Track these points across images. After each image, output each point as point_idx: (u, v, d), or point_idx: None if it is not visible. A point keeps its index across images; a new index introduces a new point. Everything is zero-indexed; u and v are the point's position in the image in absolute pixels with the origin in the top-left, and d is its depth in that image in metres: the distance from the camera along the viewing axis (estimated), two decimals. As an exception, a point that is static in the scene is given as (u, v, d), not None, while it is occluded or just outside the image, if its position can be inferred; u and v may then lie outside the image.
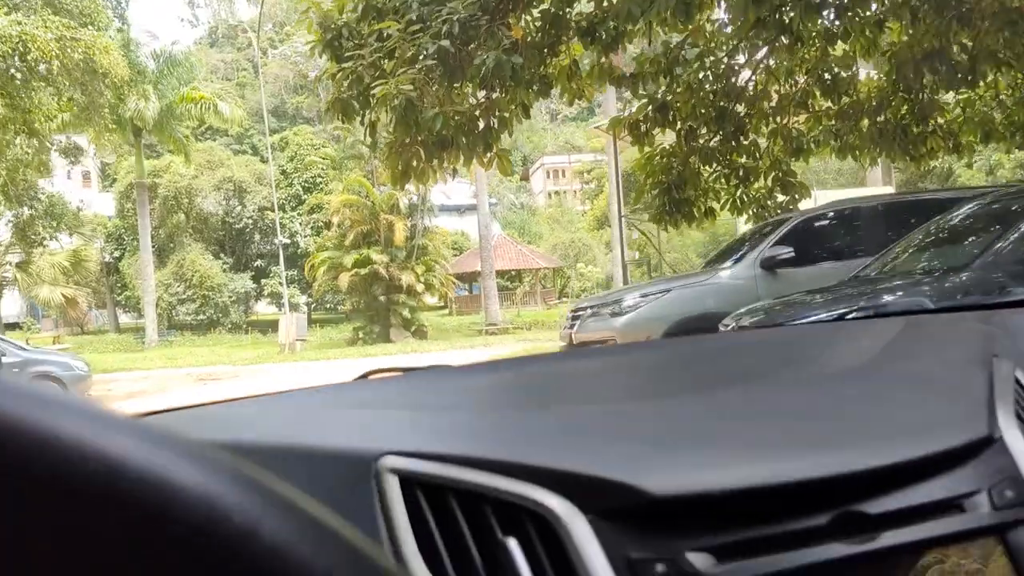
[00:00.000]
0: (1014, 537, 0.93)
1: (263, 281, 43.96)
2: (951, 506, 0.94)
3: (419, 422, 1.12)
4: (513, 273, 46.59)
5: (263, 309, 47.63)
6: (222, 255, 44.55)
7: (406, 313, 31.27)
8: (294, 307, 40.67)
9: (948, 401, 1.11)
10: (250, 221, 44.33)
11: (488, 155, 10.60)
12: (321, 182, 42.11)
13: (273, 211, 40.26)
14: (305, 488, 0.75)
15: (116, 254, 45.21)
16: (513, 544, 0.79)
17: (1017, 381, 1.12)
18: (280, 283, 33.55)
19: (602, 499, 0.84)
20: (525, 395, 1.38)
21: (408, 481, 0.86)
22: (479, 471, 0.86)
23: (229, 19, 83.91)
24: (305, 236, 42.83)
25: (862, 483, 0.91)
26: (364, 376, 1.63)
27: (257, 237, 44.81)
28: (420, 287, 30.91)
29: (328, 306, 46.77)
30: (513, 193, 66.59)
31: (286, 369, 24.35)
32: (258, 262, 44.82)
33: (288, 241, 43.17)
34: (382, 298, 30.96)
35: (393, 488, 0.86)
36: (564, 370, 1.60)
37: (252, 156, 48.07)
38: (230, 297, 42.97)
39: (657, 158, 12.08)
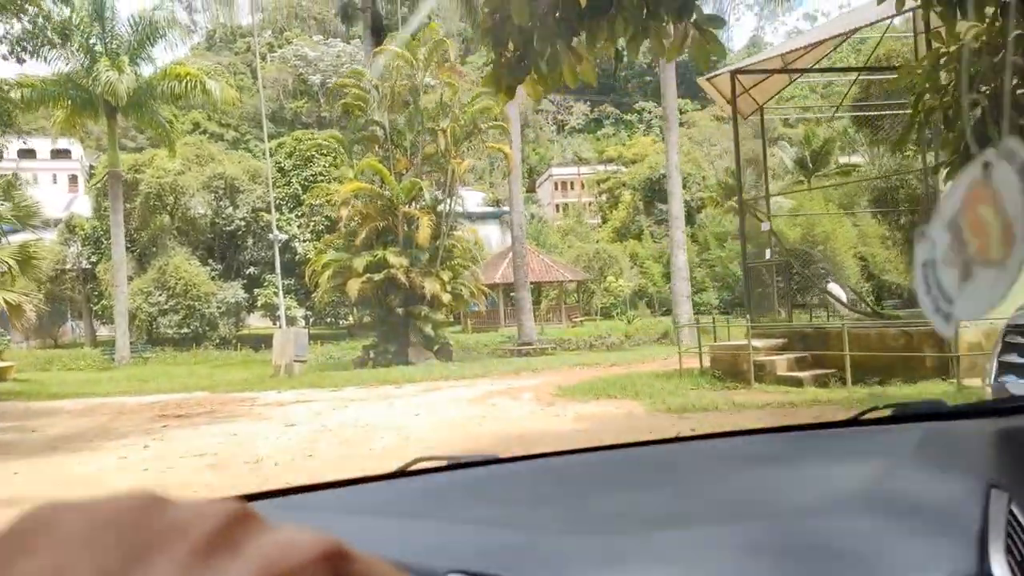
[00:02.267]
0: None
1: (256, 291, 37.02)
2: None
3: (480, 536, 1.13)
4: (532, 286, 39.92)
5: (256, 322, 40.65)
6: (210, 261, 37.68)
7: (428, 329, 24.44)
8: (292, 321, 33.67)
9: (941, 537, 1.07)
10: (242, 223, 37.50)
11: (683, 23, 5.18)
12: (323, 180, 35.24)
13: (268, 212, 33.53)
14: None
15: (93, 259, 38.24)
16: None
17: (1012, 514, 1.09)
18: (275, 292, 26.56)
19: None
20: (574, 504, 1.32)
21: None
22: None
23: (227, 23, 77.22)
24: (305, 240, 35.90)
25: None
26: (407, 467, 1.54)
27: (250, 242, 37.94)
28: (446, 297, 24.06)
29: (329, 320, 39.73)
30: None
31: (281, 400, 17.48)
32: (251, 269, 37.92)
33: (284, 243, 36.31)
34: (399, 310, 24.13)
35: None
36: (597, 470, 1.57)
37: (246, 152, 41.13)
38: (219, 308, 36.10)
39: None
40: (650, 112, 70.67)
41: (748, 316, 16.02)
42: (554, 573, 0.95)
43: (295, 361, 21.93)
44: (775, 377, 14.08)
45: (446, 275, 24.49)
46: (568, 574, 0.96)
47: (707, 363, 16.25)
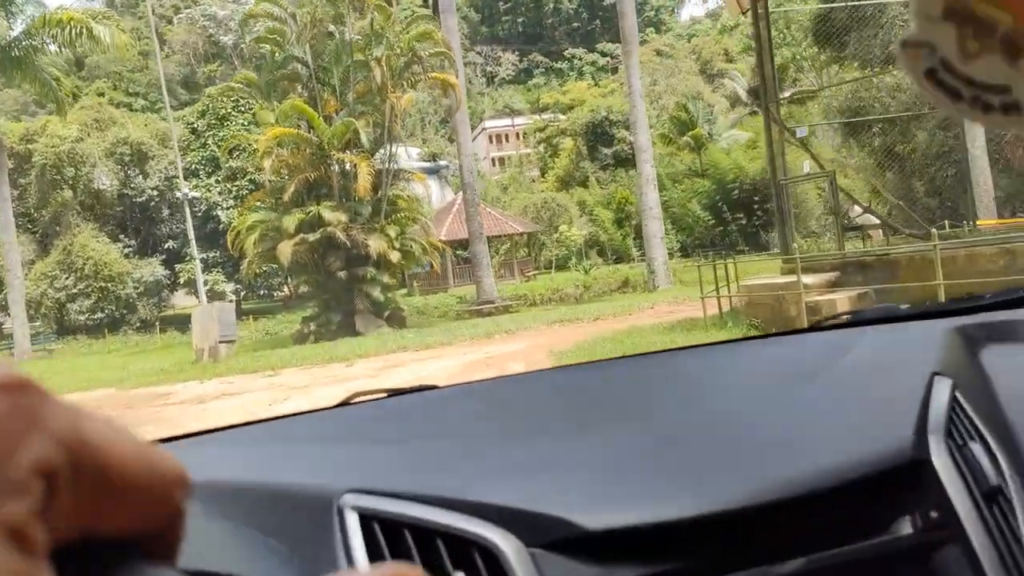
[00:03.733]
0: (937, 557, 0.93)
1: (178, 267, 32.30)
2: (877, 528, 0.93)
3: (388, 457, 1.12)
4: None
5: (183, 301, 35.97)
6: (122, 237, 32.85)
7: (376, 293, 20.44)
8: (218, 296, 29.26)
9: (882, 422, 1.07)
10: (155, 194, 32.67)
11: None
12: (244, 144, 30.60)
13: (185, 180, 28.91)
14: (271, 525, 0.91)
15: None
16: None
17: (955, 401, 1.08)
18: (192, 258, 22.20)
19: (543, 533, 0.86)
20: (489, 425, 1.31)
21: (367, 518, 0.89)
22: (433, 507, 0.89)
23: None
24: (228, 207, 31.29)
25: (791, 508, 0.90)
26: (348, 400, 1.51)
27: (166, 213, 33.19)
28: (395, 255, 20.08)
29: (262, 292, 35.24)
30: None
31: (202, 394, 13.50)
32: (170, 244, 33.23)
33: (205, 211, 31.73)
34: (341, 274, 20.07)
35: (353, 525, 0.88)
36: (529, 392, 1.54)
37: (153, 114, 36.06)
38: (136, 288, 31.41)
39: None
40: (580, 59, 66.84)
41: (785, 247, 12.51)
42: (461, 484, 0.93)
43: (221, 342, 17.81)
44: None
45: (392, 230, 20.48)
46: (471, 484, 0.94)
47: (734, 308, 12.79)
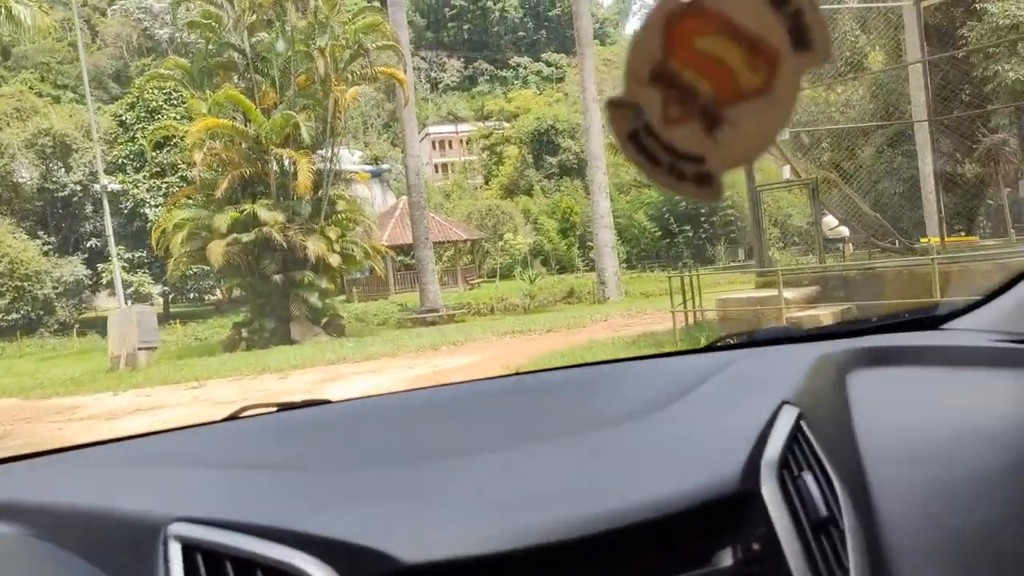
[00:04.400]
0: None
1: (100, 267, 30.08)
2: (699, 560, 0.92)
3: (232, 481, 1.09)
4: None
5: (106, 303, 33.67)
6: (41, 233, 30.51)
7: (314, 299, 18.91)
8: (143, 298, 27.28)
9: (723, 451, 1.05)
10: (79, 188, 30.45)
11: None
12: (175, 138, 28.51)
13: (109, 175, 26.99)
14: (97, 553, 0.90)
15: None
16: None
17: (799, 430, 1.08)
18: (122, 266, 20.35)
19: (362, 566, 0.85)
20: (351, 446, 1.29)
21: (190, 548, 0.87)
22: (258, 538, 0.88)
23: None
24: (156, 205, 29.26)
25: (622, 537, 0.89)
26: (236, 414, 1.45)
27: (89, 209, 30.96)
28: (335, 259, 18.61)
29: (192, 295, 33.22)
30: (399, 163, 54.21)
31: (114, 408, 11.94)
32: (92, 242, 30.97)
33: (132, 208, 29.70)
34: (277, 277, 18.51)
35: (175, 557, 0.87)
36: (412, 411, 1.53)
37: (80, 106, 33.74)
38: (55, 288, 29.11)
39: None
40: (525, 68, 65.82)
41: (761, 259, 11.51)
42: (295, 514, 0.92)
43: (141, 349, 16.10)
44: (820, 338, 9.69)
45: (333, 232, 19.00)
46: (306, 514, 0.93)
47: (703, 322, 11.77)
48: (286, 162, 18.92)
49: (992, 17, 18.92)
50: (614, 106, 0.50)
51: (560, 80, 62.00)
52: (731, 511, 0.95)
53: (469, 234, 35.00)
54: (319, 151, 19.48)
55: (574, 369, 1.80)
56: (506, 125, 51.57)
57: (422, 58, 64.22)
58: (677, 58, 0.47)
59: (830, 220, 13.65)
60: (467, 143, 56.77)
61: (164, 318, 28.28)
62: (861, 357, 1.38)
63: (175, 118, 29.58)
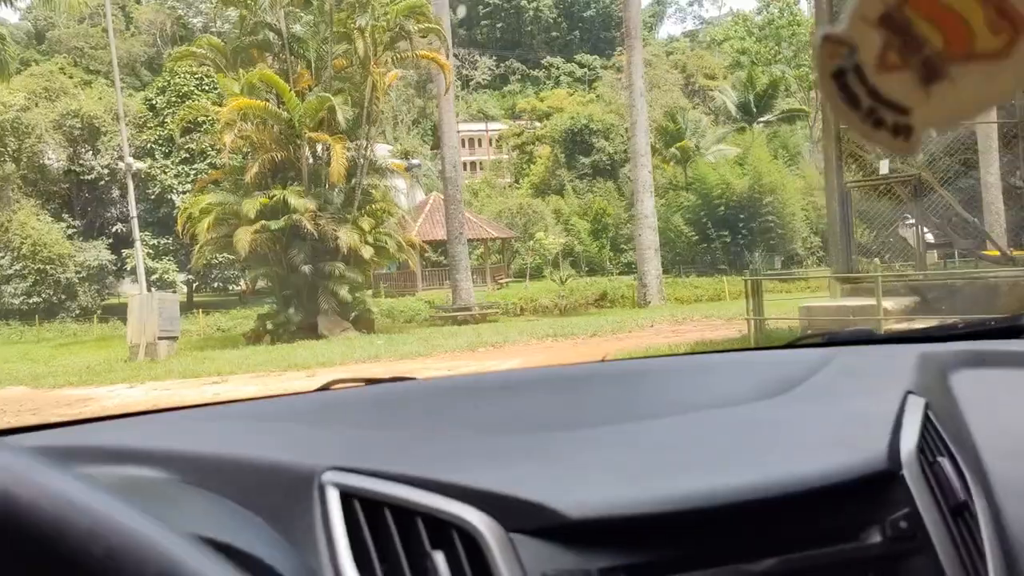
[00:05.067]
0: (904, 567, 0.93)
1: (125, 252, 29.10)
2: (847, 535, 0.93)
3: (367, 439, 1.10)
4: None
5: (130, 289, 32.73)
6: (66, 216, 29.62)
7: (344, 292, 17.76)
8: (167, 286, 26.29)
9: (857, 435, 1.05)
10: (106, 172, 29.54)
11: None
12: (205, 123, 27.44)
13: (139, 159, 26.03)
14: (251, 498, 0.90)
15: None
16: (440, 558, 0.80)
17: (927, 419, 1.09)
18: (134, 241, 19.31)
19: (524, 518, 0.84)
20: (471, 415, 1.28)
21: (348, 496, 0.87)
22: (415, 488, 0.87)
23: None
24: (184, 192, 28.24)
25: (764, 510, 0.90)
26: (327, 386, 1.46)
27: (116, 194, 30.03)
28: (367, 251, 17.46)
29: (216, 284, 32.22)
30: (428, 160, 53.14)
31: (128, 402, 10.86)
32: (118, 227, 30.03)
33: (159, 194, 28.77)
34: (306, 268, 17.38)
35: (333, 502, 0.86)
36: (510, 388, 1.47)
37: (108, 87, 32.83)
38: (78, 273, 28.25)
39: None
40: (557, 68, 64.55)
41: (847, 263, 10.18)
42: (443, 467, 0.91)
43: (161, 338, 15.01)
44: (924, 355, 8.40)
45: (366, 223, 17.85)
46: (453, 467, 0.92)
47: (773, 331, 10.48)
48: (319, 148, 17.80)
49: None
50: (828, 40, 0.47)
51: (591, 83, 60.67)
52: (875, 490, 0.95)
53: (500, 232, 33.82)
54: (354, 141, 18.34)
55: (665, 359, 1.79)
56: (537, 124, 50.39)
57: (455, 55, 63.17)
58: (915, 5, 0.44)
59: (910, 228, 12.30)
60: (497, 142, 55.66)
61: (187, 307, 27.30)
62: (961, 359, 1.35)
63: (208, 103, 28.66)
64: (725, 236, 32.17)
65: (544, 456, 1.00)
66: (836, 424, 1.10)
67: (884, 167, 10.01)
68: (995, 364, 1.36)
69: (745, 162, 33.03)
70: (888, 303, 8.91)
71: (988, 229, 16.95)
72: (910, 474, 0.97)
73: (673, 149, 34.46)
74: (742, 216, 31.77)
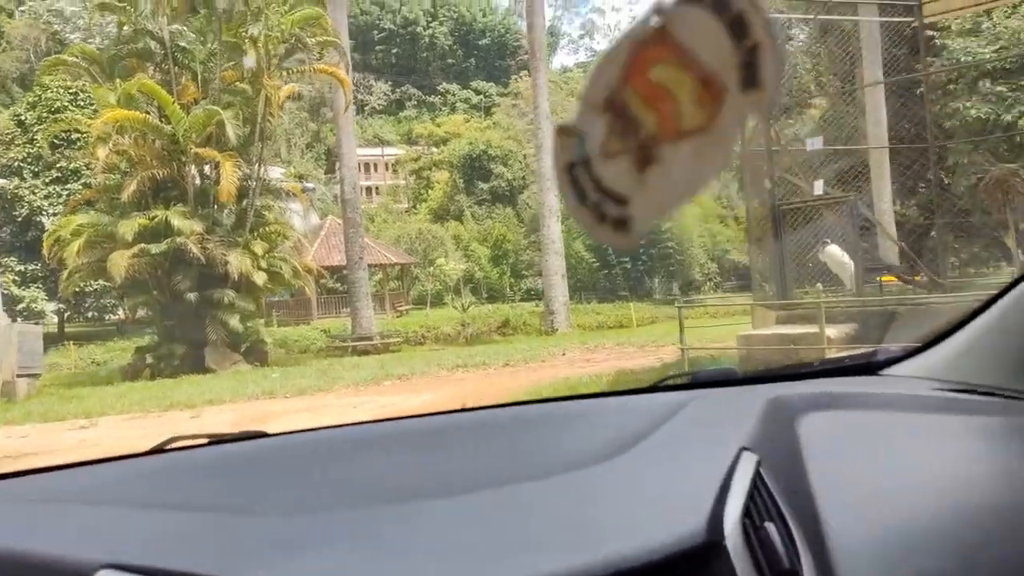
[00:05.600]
0: None
1: (-12, 279, 26.33)
2: None
3: (172, 522, 1.02)
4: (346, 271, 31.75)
5: (-5, 320, 29.71)
6: (-81, 241, 26.63)
7: (234, 322, 16.20)
8: (34, 315, 23.87)
9: (685, 499, 1.02)
10: (-34, 192, 26.73)
11: None
12: (79, 138, 25.12)
13: (4, 179, 23.73)
14: None
15: None
16: None
17: (759, 478, 1.05)
18: (13, 279, 17.23)
19: None
20: (311, 481, 1.20)
21: None
22: None
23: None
24: (54, 214, 25.80)
25: None
26: (163, 446, 1.34)
27: (-21, 215, 27.23)
28: (260, 277, 16.01)
29: (90, 314, 29.61)
30: (324, 184, 51.32)
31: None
32: (-20, 252, 27.17)
33: (26, 217, 26.23)
34: (191, 296, 15.76)
35: None
36: (363, 446, 1.40)
37: (-28, 101, 29.96)
38: (-70, 303, 25.24)
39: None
40: (454, 95, 63.90)
41: (784, 290, 9.59)
42: (224, 562, 0.86)
43: (20, 376, 13.14)
44: (871, 385, 7.83)
45: (259, 247, 16.39)
46: (251, 560, 0.88)
47: (701, 360, 9.79)
48: (207, 165, 16.29)
49: (952, 53, 17.95)
50: (563, 132, 0.47)
51: (489, 108, 60.27)
52: (696, 564, 0.92)
53: (399, 258, 32.60)
54: (246, 159, 16.89)
55: (523, 407, 1.71)
56: (435, 150, 49.47)
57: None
58: (632, 86, 0.44)
59: (834, 250, 11.92)
60: (394, 167, 54.46)
61: (57, 338, 24.87)
62: (811, 401, 1.34)
63: (80, 116, 26.39)
64: (626, 262, 31.99)
65: (348, 540, 0.94)
66: (667, 488, 1.06)
67: (818, 188, 9.52)
68: (842, 406, 1.32)
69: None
70: (829, 331, 8.33)
71: (882, 255, 16.90)
72: (733, 544, 0.92)
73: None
74: (642, 243, 31.67)
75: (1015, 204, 12.32)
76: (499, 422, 1.55)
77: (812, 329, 8.22)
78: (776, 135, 10.28)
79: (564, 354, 16.17)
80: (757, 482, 1.04)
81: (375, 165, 58.18)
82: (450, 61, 66.00)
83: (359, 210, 20.33)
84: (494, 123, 53.76)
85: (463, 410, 1.69)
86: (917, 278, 10.72)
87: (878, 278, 11.13)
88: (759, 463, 1.07)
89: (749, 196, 11.94)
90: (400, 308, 31.63)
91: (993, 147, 16.95)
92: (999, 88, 17.75)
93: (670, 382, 1.74)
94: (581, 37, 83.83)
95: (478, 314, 29.37)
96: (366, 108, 64.30)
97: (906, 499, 1.04)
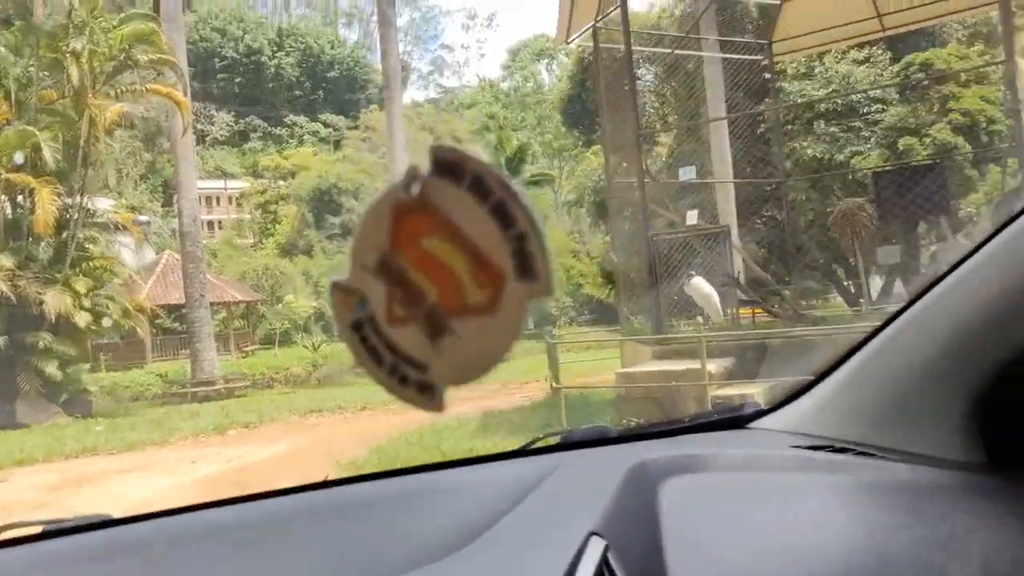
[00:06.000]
0: None
1: None
2: None
3: None
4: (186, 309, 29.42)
5: None
6: None
7: (52, 369, 14.28)
8: None
9: None
10: None
11: None
12: None
13: None
14: None
15: None
16: None
17: (606, 563, 1.03)
18: None
19: None
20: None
21: None
22: None
23: None
24: None
25: None
26: None
27: None
28: (83, 318, 14.24)
29: None
30: (159, 217, 48.09)
31: None
32: None
33: None
34: (0, 340, 13.77)
35: None
36: (212, 535, 1.30)
37: None
38: None
39: None
40: (301, 127, 61.87)
41: (659, 324, 9.21)
42: None
43: None
44: (754, 422, 7.52)
45: (82, 284, 14.61)
46: None
47: (573, 396, 9.29)
48: (20, 194, 14.44)
49: (788, 95, 18.78)
50: (339, 289, 0.46)
51: (337, 143, 58.69)
52: None
53: (245, 295, 30.68)
54: (67, 186, 15.09)
55: (384, 481, 1.59)
56: (282, 183, 47.49)
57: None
58: (404, 253, 0.44)
59: (699, 282, 11.79)
60: (238, 200, 51.90)
61: None
62: (673, 465, 1.29)
63: None
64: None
65: None
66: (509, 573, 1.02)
67: (692, 218, 9.28)
68: (707, 468, 1.30)
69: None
70: (709, 366, 8.00)
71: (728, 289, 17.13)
72: None
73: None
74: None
75: (862, 236, 12.73)
76: (354, 505, 1.46)
77: (693, 365, 7.85)
78: (647, 167, 10.00)
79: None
80: (604, 569, 1.00)
81: (217, 198, 55.20)
82: (297, 93, 63.99)
83: (200, 244, 18.76)
84: (344, 156, 52.41)
85: (326, 485, 1.55)
86: (777, 310, 10.71)
87: (740, 310, 11.08)
88: (607, 548, 1.04)
89: (617, 228, 11.67)
90: (246, 348, 29.66)
91: (827, 185, 17.70)
92: (832, 129, 18.59)
93: (540, 444, 1.70)
94: (430, 73, 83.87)
95: (331, 353, 28.07)
96: (207, 139, 61.08)
97: (761, 569, 0.98)
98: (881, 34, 12.78)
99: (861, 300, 13.41)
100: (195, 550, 1.21)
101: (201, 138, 61.35)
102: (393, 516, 1.38)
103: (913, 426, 1.21)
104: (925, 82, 17.97)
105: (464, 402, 13.46)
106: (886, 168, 13.75)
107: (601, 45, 11.47)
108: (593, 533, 1.09)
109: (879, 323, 1.30)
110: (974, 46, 19.84)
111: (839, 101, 19.58)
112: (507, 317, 0.43)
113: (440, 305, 0.42)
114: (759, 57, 13.39)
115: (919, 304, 1.17)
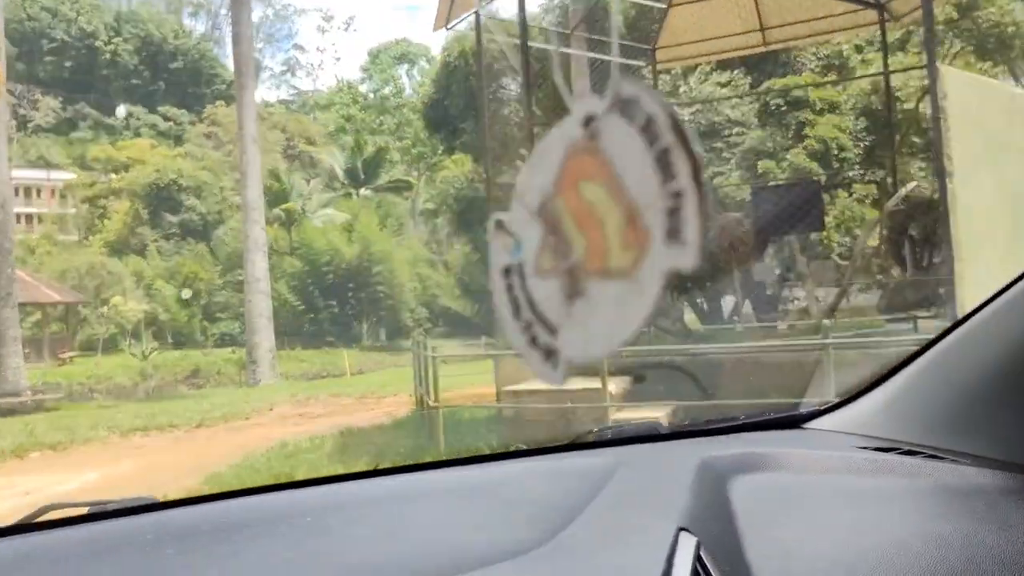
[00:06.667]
0: None
1: None
2: None
3: None
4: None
5: None
6: None
7: None
8: None
9: None
10: None
11: None
12: None
13: None
14: None
15: None
16: None
17: (700, 561, 0.98)
18: None
19: None
20: (224, 557, 1.11)
21: None
22: None
23: None
24: None
25: None
26: (38, 514, 1.19)
27: None
28: None
29: None
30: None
31: None
32: None
33: None
34: None
35: None
36: (279, 516, 1.25)
37: None
38: None
39: None
40: (139, 119, 57.26)
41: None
42: None
43: None
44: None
45: None
46: None
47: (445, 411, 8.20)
48: None
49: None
50: (500, 228, 0.44)
51: (178, 138, 54.70)
52: None
53: (64, 296, 27.49)
54: None
55: (424, 473, 1.47)
56: (113, 176, 43.49)
57: (11, 92, 52.52)
58: (564, 197, 0.41)
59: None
60: (62, 193, 47.21)
61: None
62: (740, 463, 1.27)
63: None
64: (333, 306, 29.80)
65: None
66: (597, 571, 0.99)
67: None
68: (773, 467, 1.28)
69: (354, 229, 31.14)
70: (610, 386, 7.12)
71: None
72: None
73: (278, 210, 31.32)
74: (351, 285, 29.74)
75: (740, 250, 12.44)
76: (416, 491, 1.39)
77: (591, 384, 6.94)
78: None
79: (271, 410, 13.73)
80: (699, 567, 0.95)
81: (38, 190, 50.11)
82: (135, 82, 59.19)
83: (10, 237, 16.21)
84: (186, 152, 48.82)
85: (382, 472, 1.49)
86: (668, 326, 10.09)
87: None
88: (699, 545, 0.99)
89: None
90: (63, 355, 26.51)
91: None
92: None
93: (591, 439, 1.61)
94: (283, 73, 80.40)
95: (162, 362, 25.68)
96: (30, 125, 55.40)
97: (845, 570, 0.95)
98: (763, 48, 12.56)
99: (736, 317, 13.12)
100: (245, 535, 1.15)
101: (23, 124, 55.63)
102: (464, 507, 1.27)
103: (981, 430, 1.18)
104: (783, 107, 18.16)
105: (316, 420, 12.07)
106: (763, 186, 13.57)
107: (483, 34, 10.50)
108: (682, 529, 1.04)
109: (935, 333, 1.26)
110: (827, 76, 20.46)
111: (702, 121, 19.56)
112: (644, 287, 0.39)
113: (583, 263, 0.39)
114: (640, 62, 12.88)
115: (988, 309, 1.16)
